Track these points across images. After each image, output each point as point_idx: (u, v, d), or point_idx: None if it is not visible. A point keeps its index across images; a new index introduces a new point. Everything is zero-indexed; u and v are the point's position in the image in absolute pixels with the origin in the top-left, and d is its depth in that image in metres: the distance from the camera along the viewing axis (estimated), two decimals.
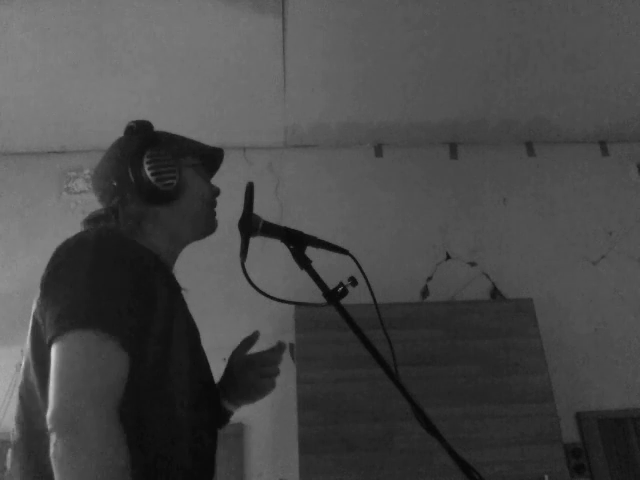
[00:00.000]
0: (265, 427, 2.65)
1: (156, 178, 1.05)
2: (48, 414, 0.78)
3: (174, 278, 1.10)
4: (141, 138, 1.10)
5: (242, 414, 2.60)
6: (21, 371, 0.94)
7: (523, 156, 3.38)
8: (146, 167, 1.05)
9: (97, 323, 0.83)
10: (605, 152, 3.41)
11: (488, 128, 3.25)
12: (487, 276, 3.05)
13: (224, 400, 1.17)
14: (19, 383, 0.93)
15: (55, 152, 3.20)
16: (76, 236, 0.97)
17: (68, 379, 0.80)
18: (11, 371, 2.65)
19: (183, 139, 1.17)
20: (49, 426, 0.77)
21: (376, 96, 2.92)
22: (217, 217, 1.18)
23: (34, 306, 0.93)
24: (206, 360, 1.13)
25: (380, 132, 3.23)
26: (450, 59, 2.67)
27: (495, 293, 3.01)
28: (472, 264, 3.08)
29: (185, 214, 1.10)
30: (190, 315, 1.10)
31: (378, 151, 3.34)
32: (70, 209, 3.06)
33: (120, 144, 1.12)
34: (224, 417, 1.18)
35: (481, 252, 3.11)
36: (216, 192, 1.17)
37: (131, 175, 1.04)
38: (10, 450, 0.91)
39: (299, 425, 2.50)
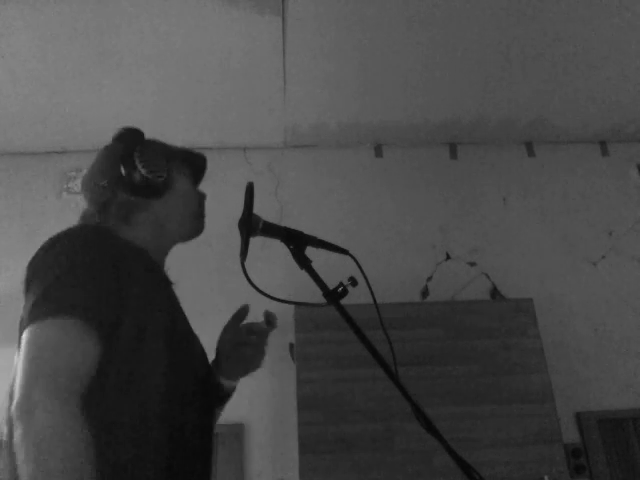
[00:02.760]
0: (265, 427, 2.65)
1: (147, 170, 1.08)
2: (13, 402, 0.79)
3: (161, 272, 1.11)
4: (130, 138, 1.14)
5: (242, 414, 2.62)
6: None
7: (523, 156, 3.38)
8: (137, 161, 1.08)
9: (70, 311, 0.85)
10: (605, 152, 3.41)
11: (488, 128, 3.25)
12: (487, 276, 3.05)
13: (220, 376, 1.16)
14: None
15: (55, 152, 3.20)
16: (59, 233, 0.99)
17: (31, 368, 0.81)
18: (11, 371, 2.65)
19: (171, 146, 1.21)
20: (13, 414, 0.78)
21: (376, 96, 2.92)
22: (205, 221, 1.21)
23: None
24: (201, 356, 1.13)
25: (380, 132, 3.23)
26: (450, 59, 2.67)
27: (495, 293, 3.01)
28: (472, 264, 3.08)
29: (172, 211, 1.13)
30: (180, 310, 1.09)
31: (378, 151, 3.34)
32: (70, 209, 3.05)
33: (108, 148, 1.16)
34: (224, 394, 1.17)
35: (481, 252, 3.11)
36: (202, 196, 1.22)
37: (123, 170, 1.07)
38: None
39: (299, 425, 2.50)
